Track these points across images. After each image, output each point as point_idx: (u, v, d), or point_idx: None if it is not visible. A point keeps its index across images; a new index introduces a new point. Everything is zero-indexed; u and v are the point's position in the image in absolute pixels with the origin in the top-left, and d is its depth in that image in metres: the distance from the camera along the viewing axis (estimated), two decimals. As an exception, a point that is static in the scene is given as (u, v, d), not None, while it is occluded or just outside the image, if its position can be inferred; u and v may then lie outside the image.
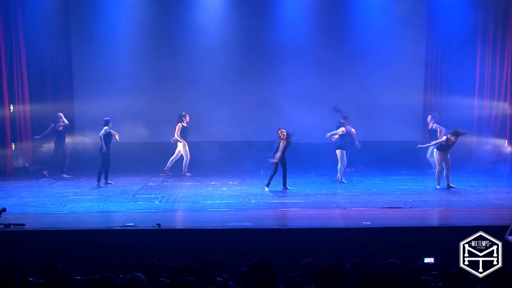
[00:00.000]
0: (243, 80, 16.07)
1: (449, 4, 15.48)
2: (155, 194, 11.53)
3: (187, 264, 5.31)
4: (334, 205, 10.46)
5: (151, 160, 14.87)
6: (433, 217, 9.83)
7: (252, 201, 10.84)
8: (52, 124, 14.01)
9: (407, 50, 16.03)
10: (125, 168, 14.09)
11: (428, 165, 14.42)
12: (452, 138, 11.85)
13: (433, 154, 12.56)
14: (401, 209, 10.07)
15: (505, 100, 14.63)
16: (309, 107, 15.58)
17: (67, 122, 14.06)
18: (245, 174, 13.86)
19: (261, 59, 16.04)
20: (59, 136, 13.96)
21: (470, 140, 15.15)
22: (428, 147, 13.35)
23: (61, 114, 14.04)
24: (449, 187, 11.93)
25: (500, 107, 14.85)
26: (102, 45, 15.70)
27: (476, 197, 11.15)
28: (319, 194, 11.51)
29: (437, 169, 12.19)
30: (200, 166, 14.78)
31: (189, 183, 12.86)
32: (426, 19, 16.25)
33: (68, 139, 14.54)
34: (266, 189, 11.90)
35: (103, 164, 12.63)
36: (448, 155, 11.96)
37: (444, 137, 12.14)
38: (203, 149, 15.31)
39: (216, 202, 10.67)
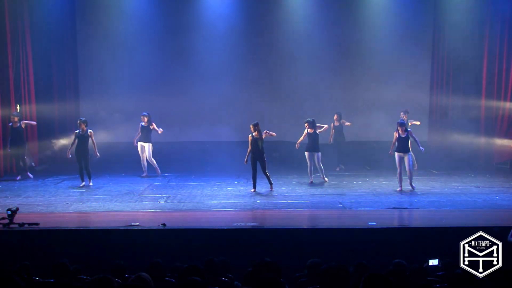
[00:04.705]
0: (249, 80, 16.07)
1: (456, 4, 15.44)
2: (161, 194, 11.55)
3: (193, 264, 5.32)
4: (340, 205, 10.45)
5: (157, 160, 14.86)
6: (439, 218, 9.78)
7: (257, 201, 10.84)
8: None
9: (413, 50, 15.99)
10: (130, 167, 14.11)
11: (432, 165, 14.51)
12: (400, 131, 11.53)
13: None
14: (407, 209, 10.05)
15: (512, 100, 14.59)
16: (314, 108, 15.58)
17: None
18: (250, 174, 13.81)
19: (268, 61, 16.08)
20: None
21: (477, 140, 15.12)
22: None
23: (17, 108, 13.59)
24: (412, 187, 11.70)
25: (507, 107, 14.78)
26: (108, 46, 15.76)
27: (482, 198, 11.11)
28: (324, 194, 11.49)
29: (398, 170, 11.77)
30: (206, 166, 14.79)
31: (195, 183, 12.87)
32: (432, 19, 16.20)
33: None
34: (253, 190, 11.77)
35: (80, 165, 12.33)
36: (408, 156, 11.55)
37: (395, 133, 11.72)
38: (209, 149, 15.32)
39: (221, 202, 10.68)
